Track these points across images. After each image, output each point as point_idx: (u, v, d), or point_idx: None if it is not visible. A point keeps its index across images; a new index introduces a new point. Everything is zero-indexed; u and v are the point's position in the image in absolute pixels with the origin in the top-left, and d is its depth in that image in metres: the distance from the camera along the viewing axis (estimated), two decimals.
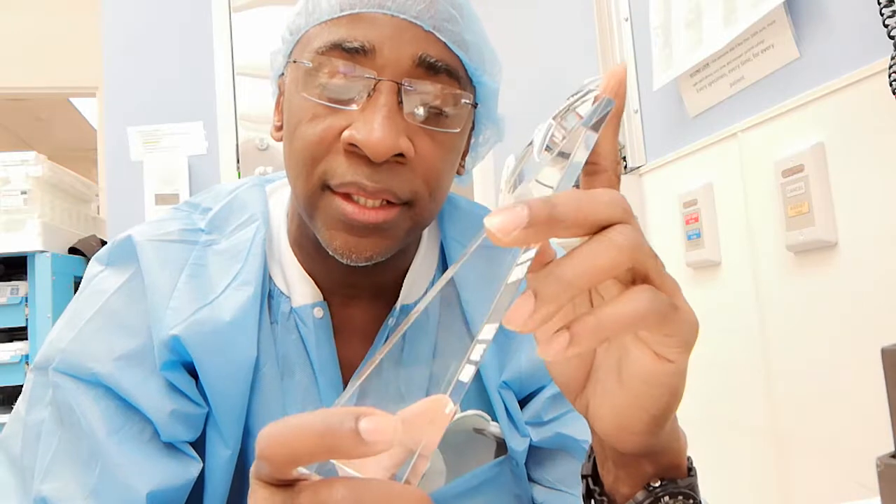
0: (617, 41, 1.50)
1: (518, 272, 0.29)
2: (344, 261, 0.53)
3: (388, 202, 0.53)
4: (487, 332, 0.29)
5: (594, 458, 0.44)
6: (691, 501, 0.40)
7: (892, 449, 0.47)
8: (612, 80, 0.36)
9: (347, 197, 0.52)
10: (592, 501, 0.43)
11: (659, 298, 0.31)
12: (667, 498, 0.39)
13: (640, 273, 0.32)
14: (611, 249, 0.29)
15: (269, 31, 2.31)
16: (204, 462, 0.54)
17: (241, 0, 2.33)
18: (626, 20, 1.46)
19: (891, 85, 0.75)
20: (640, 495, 0.40)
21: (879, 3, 0.76)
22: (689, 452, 0.43)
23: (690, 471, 0.41)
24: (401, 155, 0.51)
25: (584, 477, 0.45)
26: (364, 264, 0.54)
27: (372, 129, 0.50)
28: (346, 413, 0.24)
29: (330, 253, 0.54)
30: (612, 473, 0.41)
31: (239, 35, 2.33)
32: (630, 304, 0.30)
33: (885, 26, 0.75)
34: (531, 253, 0.30)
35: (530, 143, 0.34)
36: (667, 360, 0.33)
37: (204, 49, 2.30)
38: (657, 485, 0.40)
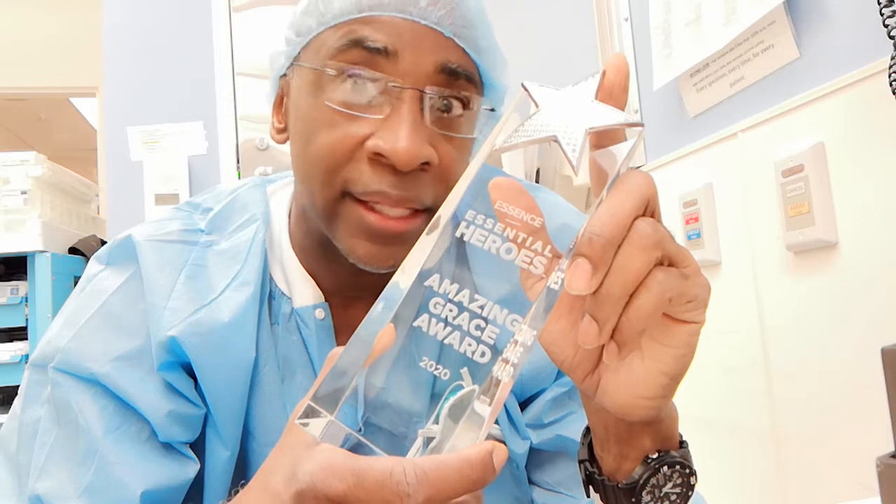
0: (617, 41, 1.50)
1: (559, 276, 0.32)
2: (367, 268, 0.53)
3: (414, 210, 0.53)
4: (527, 335, 0.31)
5: (590, 443, 0.45)
6: (687, 470, 0.42)
7: (892, 449, 0.47)
8: (616, 75, 0.35)
9: (369, 206, 0.52)
10: (592, 485, 0.44)
11: (671, 276, 0.33)
12: (665, 468, 0.42)
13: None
14: (641, 244, 0.32)
15: (269, 31, 2.31)
16: (203, 463, 0.54)
17: (241, 0, 2.33)
18: (626, 20, 1.46)
19: (891, 85, 0.75)
20: (640, 469, 0.42)
21: (879, 3, 0.76)
22: (690, 452, 0.44)
23: (682, 443, 0.43)
24: (426, 163, 0.51)
25: (581, 462, 0.45)
26: (386, 271, 0.53)
27: (398, 138, 0.49)
28: (485, 453, 0.30)
29: (351, 260, 0.54)
30: (614, 452, 0.42)
31: (239, 35, 2.32)
32: (649, 295, 0.33)
33: (885, 26, 0.75)
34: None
35: (536, 108, 0.33)
36: (689, 322, 0.35)
37: (204, 49, 2.29)
38: (654, 456, 0.42)
